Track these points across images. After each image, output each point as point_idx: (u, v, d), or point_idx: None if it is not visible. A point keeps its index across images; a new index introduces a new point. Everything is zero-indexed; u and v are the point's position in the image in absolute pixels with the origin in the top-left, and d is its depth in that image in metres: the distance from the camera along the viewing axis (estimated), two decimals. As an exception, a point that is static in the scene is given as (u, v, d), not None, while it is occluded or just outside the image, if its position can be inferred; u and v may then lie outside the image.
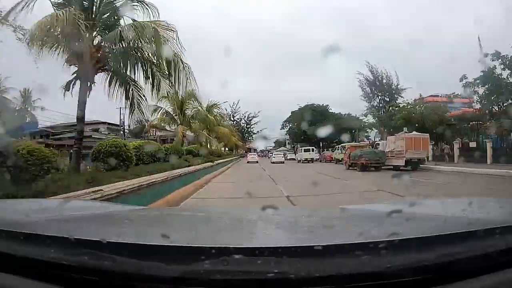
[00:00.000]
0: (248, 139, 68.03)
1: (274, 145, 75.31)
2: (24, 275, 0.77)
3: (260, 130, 68.76)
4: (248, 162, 32.75)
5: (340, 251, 0.72)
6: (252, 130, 69.73)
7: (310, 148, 34.78)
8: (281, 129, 65.74)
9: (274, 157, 34.00)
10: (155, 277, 0.68)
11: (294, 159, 37.04)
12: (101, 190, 3.95)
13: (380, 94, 41.95)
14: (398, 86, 41.33)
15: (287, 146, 71.97)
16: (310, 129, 46.17)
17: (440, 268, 0.72)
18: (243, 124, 68.33)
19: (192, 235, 1.14)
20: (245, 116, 69.02)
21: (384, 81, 41.91)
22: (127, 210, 1.91)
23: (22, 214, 1.27)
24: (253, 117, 68.89)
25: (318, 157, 34.92)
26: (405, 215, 1.13)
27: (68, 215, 1.37)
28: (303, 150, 34.52)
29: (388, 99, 41.11)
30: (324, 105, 58.60)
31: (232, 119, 62.39)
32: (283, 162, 31.58)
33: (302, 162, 31.53)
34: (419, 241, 0.75)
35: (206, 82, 37.71)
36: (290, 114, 63.12)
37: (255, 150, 54.53)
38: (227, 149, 40.79)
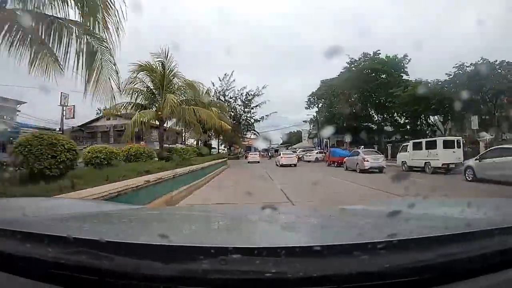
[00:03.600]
0: (248, 131, 44.58)
1: (281, 141, 61.01)
2: (22, 274, 0.76)
3: (266, 116, 42.91)
4: (249, 162, 29.73)
5: (339, 251, 0.71)
6: (253, 116, 43.49)
7: None
8: (306, 107, 43.05)
9: (282, 157, 24.51)
10: (154, 276, 0.68)
11: (367, 170, 15.93)
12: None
13: None
14: None
15: (306, 141, 50.56)
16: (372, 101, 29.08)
17: (439, 269, 0.72)
18: (239, 107, 42.61)
19: (190, 235, 1.14)
20: (241, 94, 42.08)
21: None
22: (125, 209, 1.91)
23: (20, 213, 1.26)
24: (255, 95, 42.16)
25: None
26: (404, 215, 1.14)
27: (66, 214, 1.37)
28: None
29: None
30: (399, 57, 31.59)
31: (223, 98, 38.43)
32: (296, 165, 23.49)
33: None
34: (418, 242, 0.75)
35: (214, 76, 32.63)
36: (320, 84, 39.29)
37: (255, 149, 40.53)
38: (194, 141, 25.20)
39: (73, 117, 27.99)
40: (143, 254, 0.71)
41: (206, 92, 23.07)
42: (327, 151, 28.34)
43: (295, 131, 61.97)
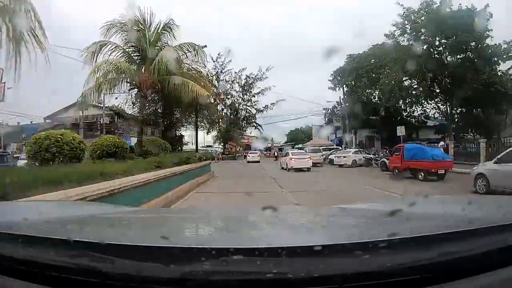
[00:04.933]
0: (248, 124, 35.90)
1: (286, 139, 56.19)
2: (23, 278, 0.76)
3: (272, 104, 33.87)
4: (248, 162, 28.27)
5: (340, 250, 0.71)
6: (254, 105, 34.48)
7: None
8: (331, 87, 31.16)
9: (292, 159, 18.60)
10: (155, 278, 0.68)
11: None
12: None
13: None
14: None
15: (316, 137, 37.89)
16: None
17: (440, 267, 0.72)
18: (236, 93, 33.56)
19: (191, 236, 1.14)
20: (239, 78, 33.15)
21: None
22: (126, 211, 1.91)
23: (20, 216, 1.26)
24: (257, 79, 33.15)
25: None
26: (405, 214, 1.13)
27: (66, 217, 1.37)
28: None
29: None
30: (476, 10, 19.53)
31: (216, 81, 29.88)
32: (309, 169, 18.29)
33: None
34: (419, 240, 0.75)
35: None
36: (347, 59, 28.40)
37: (255, 149, 34.65)
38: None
39: (2, 100, 19.98)
40: (144, 256, 0.71)
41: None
42: (394, 150, 14.76)
43: (303, 127, 56.14)
